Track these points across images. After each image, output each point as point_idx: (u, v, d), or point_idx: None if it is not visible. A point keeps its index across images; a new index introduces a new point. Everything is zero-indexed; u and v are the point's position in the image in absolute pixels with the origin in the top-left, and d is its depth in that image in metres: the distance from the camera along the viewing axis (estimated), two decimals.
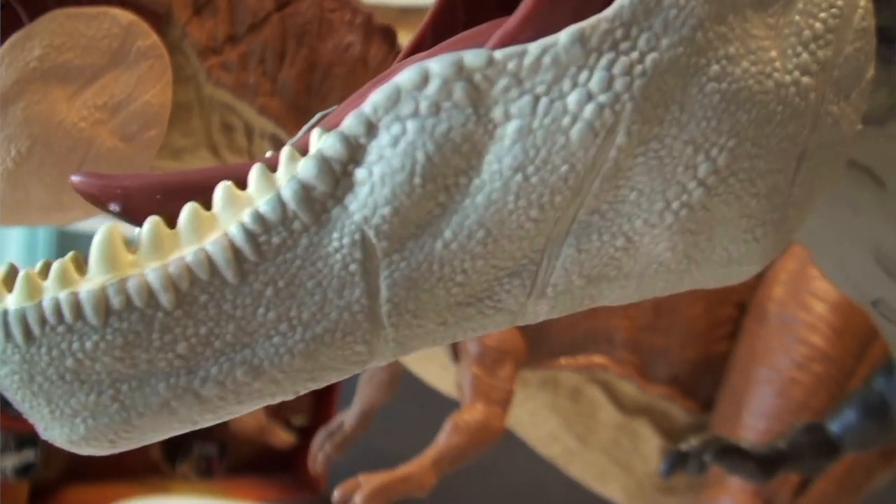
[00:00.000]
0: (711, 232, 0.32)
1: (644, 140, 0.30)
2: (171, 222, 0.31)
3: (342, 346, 0.30)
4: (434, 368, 0.79)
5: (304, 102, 0.66)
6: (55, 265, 0.29)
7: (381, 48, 0.70)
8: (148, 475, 1.72)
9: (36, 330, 0.28)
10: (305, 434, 1.99)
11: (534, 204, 0.30)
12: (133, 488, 1.63)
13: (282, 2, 0.66)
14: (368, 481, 0.65)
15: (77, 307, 0.28)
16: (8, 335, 0.29)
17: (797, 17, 0.32)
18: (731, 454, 0.60)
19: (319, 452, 0.98)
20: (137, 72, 0.60)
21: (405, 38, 0.72)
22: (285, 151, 0.30)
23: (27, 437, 1.50)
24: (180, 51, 0.62)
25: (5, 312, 0.29)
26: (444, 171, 0.29)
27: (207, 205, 0.30)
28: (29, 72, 0.56)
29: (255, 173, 0.30)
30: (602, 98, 0.29)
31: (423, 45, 0.40)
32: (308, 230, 0.29)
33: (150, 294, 0.29)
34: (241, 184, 0.31)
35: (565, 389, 0.77)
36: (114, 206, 0.32)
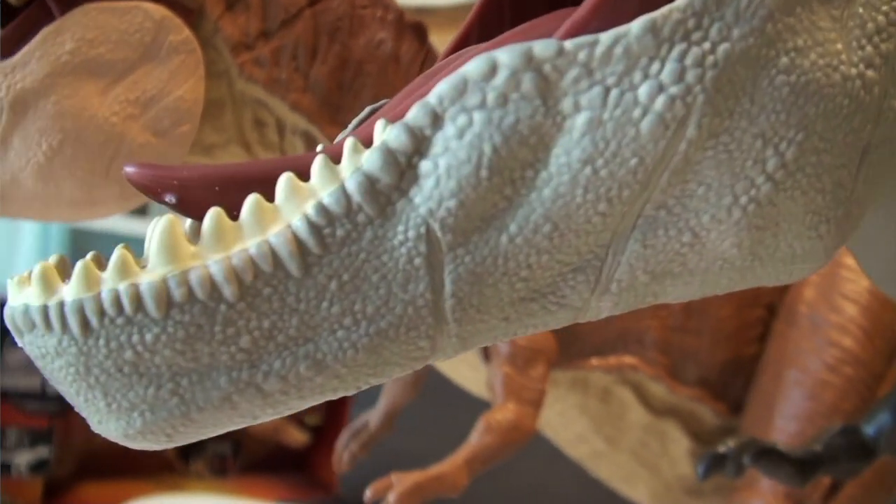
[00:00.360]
0: (777, 228, 0.31)
1: (714, 133, 0.29)
2: (230, 215, 0.30)
3: (406, 341, 0.30)
4: (463, 369, 0.78)
5: (335, 99, 0.66)
6: (113, 256, 0.28)
7: (412, 45, 0.69)
8: (162, 473, 1.71)
9: (94, 321, 0.28)
10: (319, 433, 1.99)
11: (602, 198, 0.29)
12: (147, 486, 1.63)
13: None
14: (401, 480, 0.64)
15: (137, 299, 0.28)
16: (64, 326, 0.28)
17: (861, 10, 0.31)
18: (769, 456, 0.60)
19: (345, 452, 0.97)
20: (170, 67, 0.59)
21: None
22: (349, 143, 0.30)
23: (41, 433, 1.50)
24: (212, 46, 0.62)
25: (61, 303, 0.28)
26: (511, 164, 0.29)
27: (268, 197, 0.30)
28: (60, 66, 0.56)
29: (318, 165, 0.29)
30: (674, 90, 0.28)
31: (468, 40, 0.39)
32: (373, 223, 0.29)
33: (212, 286, 0.28)
34: (302, 176, 0.30)
35: (595, 390, 0.77)
36: (169, 198, 0.31)
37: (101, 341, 0.28)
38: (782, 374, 0.76)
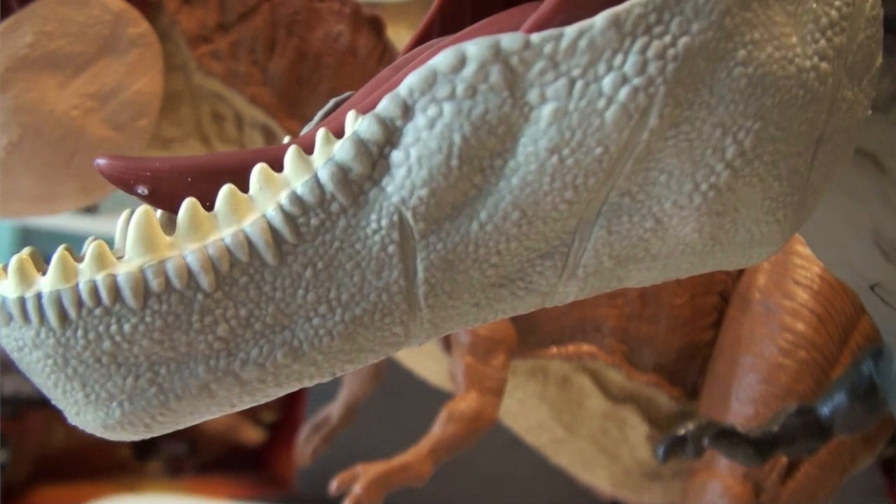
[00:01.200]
0: (736, 214, 0.32)
1: (675, 123, 0.30)
2: (203, 206, 0.30)
3: (380, 327, 0.30)
4: (423, 359, 0.78)
5: (294, 92, 0.66)
6: (90, 248, 0.28)
7: (369, 39, 0.69)
8: (117, 474, 1.69)
9: (72, 313, 0.28)
10: (275, 430, 1.98)
11: (568, 185, 0.30)
12: (102, 487, 1.60)
13: None
14: (367, 471, 0.65)
15: (115, 289, 0.28)
16: (42, 318, 0.28)
17: (814, 5, 0.33)
18: (728, 437, 0.61)
19: (306, 446, 0.97)
20: (128, 60, 0.59)
21: None
22: (321, 133, 0.30)
23: None
24: (170, 39, 0.62)
25: (38, 295, 0.28)
26: (481, 153, 0.30)
27: (241, 188, 0.30)
28: (19, 59, 0.55)
29: (290, 155, 0.30)
30: (636, 81, 0.29)
31: (430, 34, 0.40)
32: (346, 212, 0.29)
33: (189, 276, 0.28)
34: (275, 167, 0.31)
35: (554, 378, 0.78)
36: (142, 189, 0.31)
37: (79, 332, 0.28)
38: (737, 359, 0.77)
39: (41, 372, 0.29)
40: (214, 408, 0.30)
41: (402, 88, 0.30)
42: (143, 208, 0.29)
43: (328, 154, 0.30)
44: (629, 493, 0.89)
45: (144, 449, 1.77)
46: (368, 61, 0.69)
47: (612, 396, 0.80)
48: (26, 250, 0.30)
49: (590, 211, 0.31)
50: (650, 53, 0.29)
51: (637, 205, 0.31)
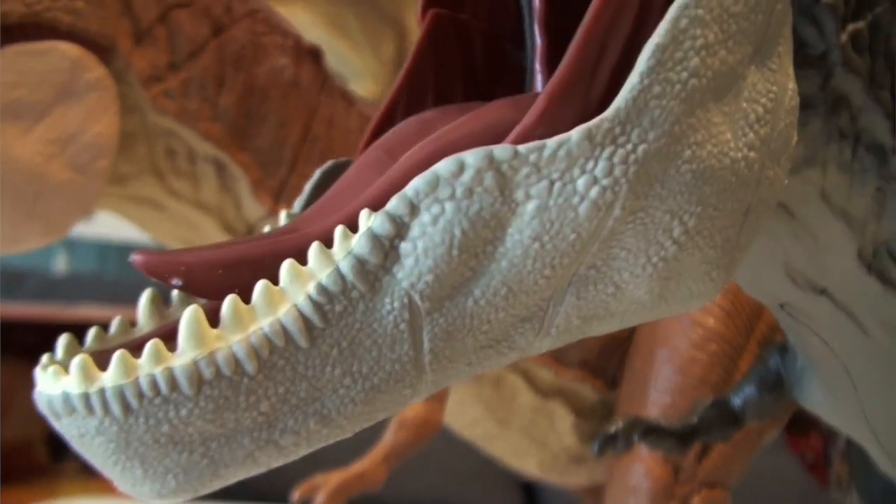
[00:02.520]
0: (679, 277, 0.39)
1: (633, 211, 0.36)
2: (233, 292, 0.34)
3: (394, 391, 0.35)
4: None
5: (242, 126, 0.69)
6: (148, 346, 0.32)
7: (310, 69, 0.73)
8: (34, 477, 1.68)
9: (134, 403, 0.32)
10: None
11: (547, 265, 0.36)
12: (20, 493, 1.60)
13: (217, 27, 0.68)
14: (327, 482, 0.69)
15: (172, 380, 0.32)
16: (106, 410, 0.32)
17: (744, 104, 0.39)
18: (654, 433, 0.68)
19: None
20: (86, 104, 0.61)
21: None
22: (339, 230, 0.35)
23: None
24: (125, 81, 0.64)
25: (102, 390, 0.32)
26: (476, 242, 0.35)
27: (266, 275, 0.34)
28: None
29: (314, 251, 0.34)
30: (605, 182, 0.35)
31: (395, 108, 0.45)
32: (364, 297, 0.34)
33: (236, 363, 0.32)
34: (296, 256, 0.35)
35: (489, 379, 0.83)
36: (176, 281, 0.35)
37: (141, 419, 0.32)
38: (654, 353, 0.84)
39: (102, 454, 0.33)
40: (255, 470, 0.35)
41: (409, 190, 0.35)
42: (192, 309, 0.33)
43: (347, 248, 0.34)
44: (556, 476, 0.96)
45: (59, 450, 1.76)
46: (311, 91, 0.72)
47: (541, 392, 0.86)
48: (86, 353, 0.33)
49: (563, 282, 0.37)
50: (616, 159, 0.35)
51: (601, 275, 0.38)
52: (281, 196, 0.70)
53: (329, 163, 0.45)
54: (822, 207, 0.49)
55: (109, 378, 0.32)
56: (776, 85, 0.40)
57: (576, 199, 0.35)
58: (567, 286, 0.37)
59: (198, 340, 0.32)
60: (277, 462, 0.35)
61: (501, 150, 0.35)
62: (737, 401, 0.72)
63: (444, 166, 0.35)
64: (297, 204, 0.44)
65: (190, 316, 0.32)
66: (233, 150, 0.68)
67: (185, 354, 0.32)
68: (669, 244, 0.38)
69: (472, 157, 0.35)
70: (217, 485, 0.35)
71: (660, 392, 0.83)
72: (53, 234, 0.63)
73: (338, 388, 0.34)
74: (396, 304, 0.35)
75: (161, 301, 0.39)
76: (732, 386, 0.84)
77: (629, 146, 0.36)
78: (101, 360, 0.35)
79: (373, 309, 0.34)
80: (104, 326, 0.38)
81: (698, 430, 0.71)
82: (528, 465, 0.94)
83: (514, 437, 0.89)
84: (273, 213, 0.70)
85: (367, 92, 1.10)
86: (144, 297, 0.38)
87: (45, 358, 0.35)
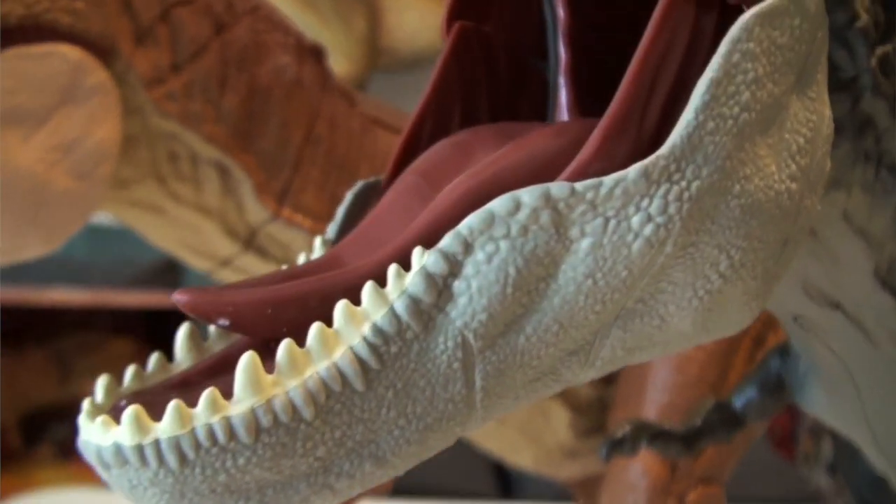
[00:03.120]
0: (722, 309, 0.39)
1: (684, 247, 0.36)
2: (282, 332, 0.34)
3: (446, 430, 0.35)
4: None
5: (245, 127, 0.67)
6: (204, 395, 0.31)
7: (312, 68, 0.71)
8: (7, 463, 1.66)
9: (190, 454, 0.31)
10: None
11: (598, 301, 0.36)
12: None
13: (219, 26, 0.66)
14: None
15: (230, 430, 0.31)
16: (161, 461, 0.31)
17: (787, 136, 0.39)
18: (661, 437, 0.68)
19: None
20: (88, 109, 0.59)
21: None
22: (392, 269, 0.34)
23: None
24: (126, 83, 0.62)
25: (157, 441, 0.31)
26: (529, 280, 0.35)
27: (317, 314, 0.34)
28: None
29: (368, 291, 0.34)
30: (659, 219, 0.35)
31: (422, 128, 0.44)
32: (418, 338, 0.34)
33: (293, 410, 0.32)
34: (347, 294, 0.34)
35: None
36: (222, 322, 0.34)
37: (197, 470, 0.31)
38: None
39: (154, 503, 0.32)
40: None
41: (463, 228, 0.34)
42: (249, 356, 0.32)
43: (401, 287, 0.34)
44: (550, 470, 0.96)
45: (32, 434, 1.74)
46: (313, 90, 0.71)
47: None
48: (129, 396, 0.32)
49: (611, 317, 0.37)
50: (670, 197, 0.35)
51: (648, 308, 0.38)
52: (284, 199, 0.69)
53: (359, 184, 0.44)
54: (843, 227, 0.50)
55: (164, 429, 0.31)
56: (815, 114, 0.41)
57: (630, 237, 0.35)
58: (614, 320, 0.37)
59: (255, 388, 0.31)
60: (329, 503, 0.35)
61: (559, 189, 0.34)
62: (738, 403, 0.73)
63: (499, 204, 0.34)
64: (331, 229, 0.43)
65: (246, 363, 0.32)
66: (236, 153, 0.67)
67: (242, 402, 0.31)
68: (716, 278, 0.37)
69: (528, 195, 0.34)
70: None
71: (658, 391, 0.84)
72: (54, 242, 0.61)
73: (392, 429, 0.34)
74: (450, 344, 0.34)
75: (198, 335, 0.38)
76: (728, 384, 0.85)
77: (683, 183, 0.35)
78: (143, 403, 0.34)
79: (427, 349, 0.34)
80: (141, 363, 0.36)
81: (702, 432, 0.71)
82: (522, 459, 0.94)
83: (509, 434, 0.90)
84: (276, 217, 0.69)
85: (339, 68, 1.09)
86: (182, 332, 0.37)
87: (86, 404, 0.33)
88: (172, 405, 0.31)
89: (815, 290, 0.54)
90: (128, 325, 1.98)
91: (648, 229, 0.35)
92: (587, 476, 0.99)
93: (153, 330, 2.01)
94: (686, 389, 0.83)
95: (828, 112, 0.42)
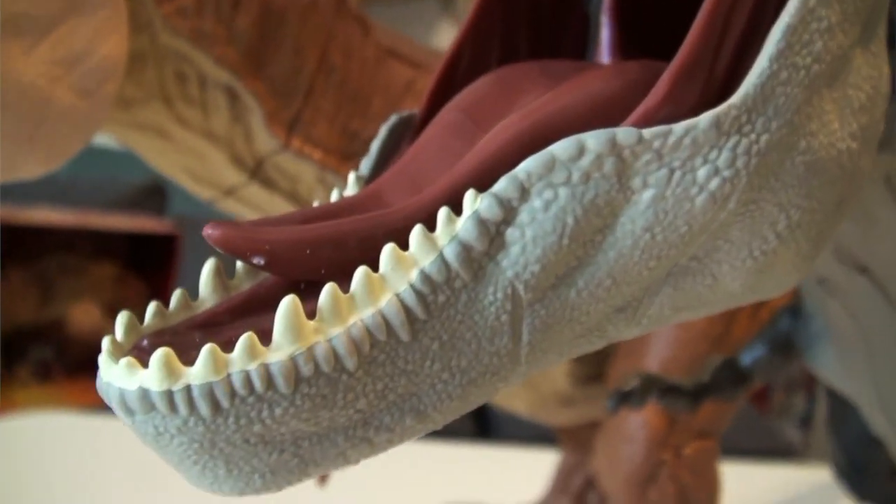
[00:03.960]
0: (773, 270, 0.38)
1: (746, 203, 0.35)
2: (319, 274, 0.32)
3: (489, 384, 0.34)
4: None
5: (258, 51, 0.64)
6: (242, 339, 0.29)
7: None
8: None
9: (224, 402, 0.29)
10: None
11: (653, 256, 0.34)
12: None
13: None
14: None
15: (268, 378, 0.29)
16: (192, 409, 0.29)
17: (850, 91, 0.37)
18: (670, 392, 0.68)
19: None
20: (94, 22, 0.56)
21: None
22: (443, 212, 0.32)
23: None
24: None
25: (188, 388, 0.28)
26: (586, 231, 0.33)
27: (358, 257, 0.31)
28: None
29: (417, 234, 0.31)
30: (726, 173, 0.33)
31: (461, 54, 0.42)
32: (467, 287, 0.32)
33: (336, 359, 0.30)
34: (392, 236, 0.32)
35: None
36: (258, 260, 0.32)
37: (231, 419, 0.29)
38: None
39: (181, 453, 0.30)
40: (342, 466, 0.32)
41: (521, 171, 0.32)
42: (290, 300, 0.29)
43: (451, 232, 0.31)
44: (543, 416, 0.95)
45: (12, 355, 1.71)
46: (327, 14, 0.68)
47: None
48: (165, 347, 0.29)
49: (663, 273, 0.36)
50: (739, 150, 0.33)
51: (701, 267, 0.36)
52: (294, 129, 0.66)
53: (393, 118, 0.42)
54: (884, 192, 0.49)
55: (197, 374, 0.28)
56: (876, 70, 0.39)
57: (694, 190, 0.33)
58: (666, 277, 0.35)
59: (296, 334, 0.29)
60: (366, 457, 0.33)
61: (625, 134, 0.32)
62: (746, 360, 0.72)
63: (561, 148, 0.32)
64: (365, 165, 0.40)
65: (287, 307, 0.29)
66: (247, 78, 0.63)
67: (281, 349, 0.29)
68: (773, 238, 0.36)
69: (593, 140, 0.32)
70: (301, 481, 0.32)
71: (661, 344, 0.83)
72: (54, 162, 0.58)
73: (435, 383, 0.32)
74: (499, 295, 0.32)
75: (224, 272, 0.35)
76: (731, 340, 0.84)
77: (753, 136, 0.33)
78: (168, 343, 0.32)
79: (475, 300, 0.32)
80: (165, 302, 0.34)
81: (709, 388, 0.70)
82: (517, 405, 0.93)
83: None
84: (285, 147, 0.66)
85: None
86: (207, 269, 0.35)
87: (106, 342, 0.31)
88: (207, 349, 0.29)
89: (846, 253, 0.53)
90: (111, 248, 1.95)
91: (714, 183, 0.33)
92: (576, 424, 0.99)
93: (136, 254, 1.99)
94: (689, 344, 0.82)
95: (887, 69, 0.40)
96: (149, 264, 1.93)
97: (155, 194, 1.98)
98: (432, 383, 0.32)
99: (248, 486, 0.31)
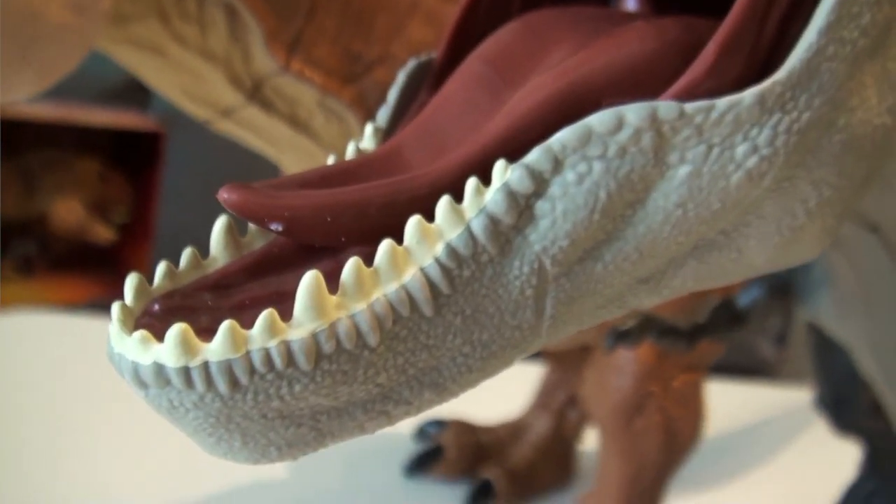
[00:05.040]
0: (797, 244, 0.37)
1: (780, 181, 0.34)
2: (338, 241, 0.31)
3: (508, 357, 0.33)
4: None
5: None
6: (263, 316, 0.28)
7: None
8: None
9: (243, 379, 0.28)
10: (126, 230, 1.93)
11: (683, 232, 0.33)
12: None
13: None
14: None
15: (289, 355, 0.28)
16: (209, 385, 0.28)
17: (890, 64, 0.36)
18: (668, 333, 0.68)
19: None
20: None
21: None
22: (471, 183, 0.30)
23: None
24: None
25: (206, 364, 0.27)
26: (618, 205, 0.32)
27: (379, 224, 0.30)
28: None
29: (444, 206, 0.30)
30: (765, 151, 0.32)
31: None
32: (493, 261, 0.31)
33: (358, 336, 0.29)
34: (415, 204, 0.31)
35: None
36: (276, 226, 0.30)
37: (249, 395, 0.28)
38: None
39: (196, 426, 0.29)
40: (358, 436, 0.32)
41: (555, 143, 0.31)
42: (312, 275, 0.28)
43: (479, 205, 0.30)
44: None
45: None
46: None
47: None
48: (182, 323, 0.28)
49: (690, 247, 0.35)
50: (780, 128, 0.32)
51: (728, 241, 0.35)
52: (295, 49, 0.63)
53: (411, 63, 0.40)
54: None
55: (215, 351, 0.27)
56: None
57: (731, 167, 0.32)
58: (692, 250, 0.34)
59: (318, 311, 0.28)
60: (383, 428, 0.32)
61: (667, 109, 0.31)
62: (743, 301, 0.72)
63: (599, 120, 0.31)
64: (382, 115, 0.38)
65: (309, 282, 0.28)
66: None
67: (302, 326, 0.28)
68: (802, 214, 0.35)
69: (633, 113, 0.31)
70: (315, 451, 0.32)
71: None
72: (46, 81, 0.55)
73: (456, 356, 0.31)
74: (525, 269, 0.31)
75: (235, 230, 0.34)
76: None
77: (795, 114, 0.32)
78: (178, 307, 0.31)
79: (500, 274, 0.31)
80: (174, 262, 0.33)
81: (706, 329, 0.70)
82: None
83: None
84: (285, 69, 0.64)
85: None
86: (218, 227, 0.33)
87: (116, 309, 0.30)
88: (226, 326, 0.27)
89: (859, 211, 0.52)
90: (95, 144, 1.91)
91: (752, 161, 0.32)
92: (559, 350, 0.99)
93: (121, 151, 1.95)
94: None
95: None
96: (133, 162, 1.89)
97: (138, 90, 1.92)
98: (453, 357, 0.31)
99: (263, 457, 0.30)
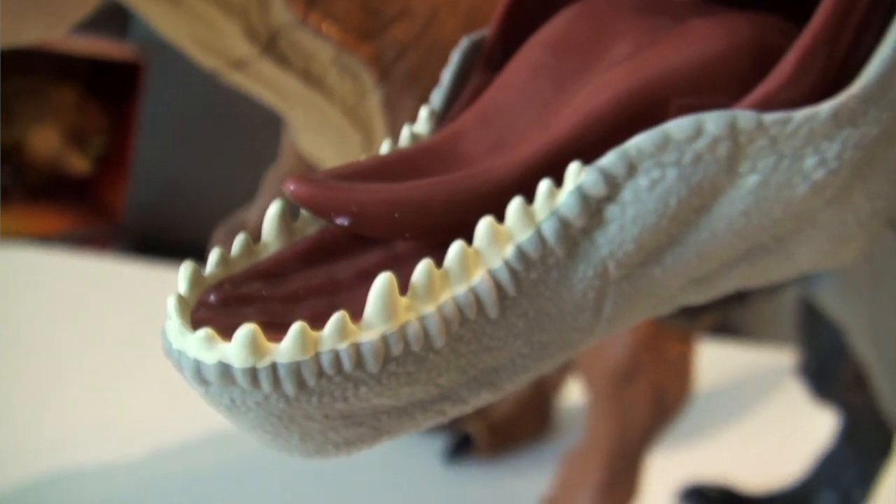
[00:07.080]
0: (843, 251, 0.37)
1: (839, 193, 0.34)
2: (404, 236, 0.30)
3: (561, 356, 0.33)
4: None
5: None
6: (334, 318, 0.27)
7: None
8: None
9: (311, 381, 0.27)
10: (102, 162, 1.90)
11: (743, 238, 0.33)
12: None
13: None
14: None
15: (358, 358, 0.27)
16: (276, 385, 0.27)
17: None
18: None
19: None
20: None
21: None
22: (544, 185, 0.30)
23: None
24: None
25: (274, 365, 0.27)
26: (686, 211, 0.32)
27: (447, 220, 0.30)
28: None
29: (515, 207, 0.30)
30: (832, 165, 0.32)
31: None
32: (559, 264, 0.30)
33: (426, 339, 0.28)
34: (478, 201, 0.30)
35: None
36: (342, 220, 0.30)
37: (315, 397, 0.27)
38: None
39: (255, 424, 0.28)
40: (412, 432, 0.31)
41: (632, 148, 0.30)
42: (386, 277, 0.27)
43: (551, 207, 0.30)
44: None
45: None
46: None
47: None
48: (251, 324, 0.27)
49: (744, 251, 0.34)
50: (850, 142, 0.32)
51: (780, 247, 0.35)
52: (314, 3, 0.61)
53: (465, 41, 0.39)
54: None
55: (285, 353, 0.27)
56: None
57: (798, 179, 0.32)
58: (745, 254, 0.34)
59: (389, 314, 0.27)
60: (435, 423, 0.32)
61: (746, 119, 0.30)
62: None
63: (678, 127, 0.30)
64: (437, 97, 0.37)
65: (383, 285, 0.27)
66: None
67: (373, 328, 0.27)
68: (853, 224, 0.35)
69: (713, 123, 0.30)
70: (371, 448, 0.31)
71: None
72: (57, 26, 0.53)
73: (515, 358, 0.31)
74: (590, 273, 0.31)
75: (289, 215, 0.33)
76: None
77: (864, 128, 0.32)
78: (233, 297, 0.30)
79: (565, 276, 0.30)
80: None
81: (709, 305, 0.71)
82: None
83: None
84: (303, 22, 0.62)
85: None
86: (272, 211, 0.32)
87: (173, 301, 0.28)
88: (297, 328, 0.26)
89: None
90: (72, 73, 1.86)
91: (819, 174, 0.32)
92: None
93: (97, 78, 1.90)
94: None
95: None
96: (111, 92, 1.84)
97: (117, 17, 1.87)
98: (512, 358, 0.31)
99: (319, 454, 0.30)
